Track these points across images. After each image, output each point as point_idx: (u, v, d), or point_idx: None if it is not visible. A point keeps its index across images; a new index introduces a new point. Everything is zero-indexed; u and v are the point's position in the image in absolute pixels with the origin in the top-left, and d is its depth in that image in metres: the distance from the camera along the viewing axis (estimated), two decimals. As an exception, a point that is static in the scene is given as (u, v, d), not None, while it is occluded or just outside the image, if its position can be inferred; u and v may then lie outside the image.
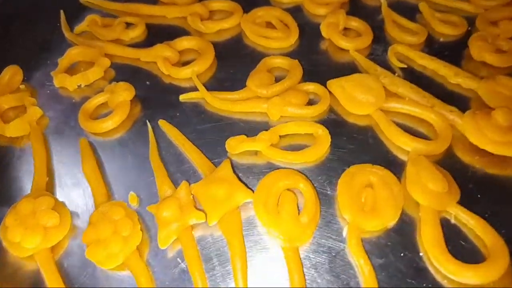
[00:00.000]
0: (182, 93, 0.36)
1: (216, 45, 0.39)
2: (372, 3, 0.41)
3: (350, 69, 0.36)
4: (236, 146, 0.31)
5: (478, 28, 0.37)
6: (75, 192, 0.31)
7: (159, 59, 0.38)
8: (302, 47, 0.39)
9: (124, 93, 0.35)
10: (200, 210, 0.28)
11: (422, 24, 0.38)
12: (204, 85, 0.36)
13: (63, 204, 0.30)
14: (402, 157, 0.31)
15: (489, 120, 0.30)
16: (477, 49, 0.35)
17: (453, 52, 0.37)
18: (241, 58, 0.39)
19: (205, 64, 0.37)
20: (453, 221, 0.28)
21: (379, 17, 0.40)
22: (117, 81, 0.36)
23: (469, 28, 0.38)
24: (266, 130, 0.32)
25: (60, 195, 0.31)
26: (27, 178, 0.32)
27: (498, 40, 0.35)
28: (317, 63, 0.37)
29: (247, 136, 0.32)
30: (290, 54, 0.38)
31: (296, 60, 0.36)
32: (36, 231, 0.28)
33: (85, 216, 0.30)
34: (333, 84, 0.34)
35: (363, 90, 0.33)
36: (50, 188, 0.32)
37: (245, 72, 0.36)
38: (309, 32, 0.39)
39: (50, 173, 0.32)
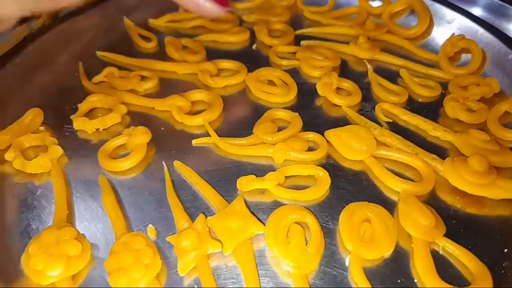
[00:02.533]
0: (193, 138, 0.40)
1: (223, 98, 0.44)
2: (359, 68, 0.47)
3: (342, 122, 0.41)
4: (247, 184, 0.35)
5: (450, 91, 0.44)
6: (94, 225, 0.33)
7: (174, 108, 0.42)
8: (300, 103, 0.44)
9: (142, 136, 0.38)
10: (216, 240, 0.31)
11: (403, 86, 0.44)
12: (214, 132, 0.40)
13: (83, 235, 0.32)
14: (393, 197, 0.35)
15: (466, 166, 0.35)
16: (451, 109, 0.41)
17: (430, 110, 0.42)
18: (246, 111, 0.43)
19: (214, 113, 0.42)
20: (441, 252, 0.32)
21: (366, 80, 0.46)
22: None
23: (443, 91, 0.44)
24: (272, 170, 0.36)
25: (79, 228, 0.33)
26: (47, 213, 0.34)
27: (468, 101, 0.41)
28: (314, 116, 0.42)
29: (256, 176, 0.36)
30: (290, 108, 0.43)
31: (297, 113, 0.41)
32: (60, 259, 0.30)
33: (103, 248, 0.32)
34: (330, 133, 0.39)
35: (356, 139, 0.38)
36: (70, 221, 0.34)
37: (250, 123, 0.41)
38: (306, 90, 0.45)
39: (70, 206, 0.35)
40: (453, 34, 0.47)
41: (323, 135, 0.39)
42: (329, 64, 0.46)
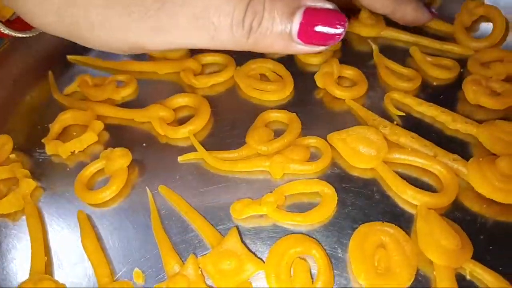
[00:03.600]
0: (180, 152, 0.35)
1: (211, 99, 0.39)
2: (363, 48, 0.42)
3: (347, 118, 0.36)
4: (242, 210, 0.31)
5: (470, 71, 0.38)
6: (76, 271, 0.30)
7: (154, 120, 0.37)
8: (297, 98, 0.38)
9: (121, 159, 0.34)
10: (210, 286, 0.27)
11: (415, 68, 0.39)
12: (202, 143, 0.35)
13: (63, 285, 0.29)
14: (410, 210, 0.30)
15: (494, 168, 0.30)
16: (472, 94, 0.35)
17: (447, 95, 0.37)
18: (237, 112, 0.38)
19: (201, 122, 0.37)
20: (468, 277, 0.27)
21: (371, 62, 0.40)
22: (112, 145, 0.36)
23: (461, 70, 0.38)
24: (270, 188, 0.32)
25: (60, 276, 0.30)
26: (24, 256, 0.31)
27: (491, 82, 0.36)
28: (313, 114, 0.37)
29: (252, 197, 0.32)
30: (286, 106, 0.38)
31: (294, 114, 0.36)
32: (38, 320, 0.27)
33: (88, 297, 0.29)
34: (334, 137, 0.34)
35: (364, 143, 0.33)
36: (49, 268, 0.30)
37: (243, 127, 0.36)
38: (303, 82, 0.39)
39: (47, 250, 0.31)
40: (469, -1, 0.40)
41: (325, 138, 0.34)
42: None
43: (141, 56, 0.43)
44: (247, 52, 0.27)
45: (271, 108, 0.37)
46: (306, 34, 0.25)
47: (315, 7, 0.26)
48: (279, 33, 0.26)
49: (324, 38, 0.26)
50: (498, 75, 0.36)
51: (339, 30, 0.26)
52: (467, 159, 0.31)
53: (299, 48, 0.26)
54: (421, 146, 0.33)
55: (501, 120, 0.33)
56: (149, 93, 0.41)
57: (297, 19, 0.25)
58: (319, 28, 0.25)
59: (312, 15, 0.25)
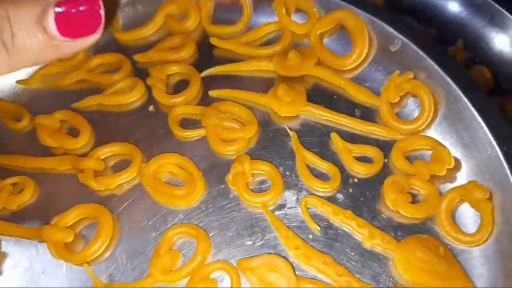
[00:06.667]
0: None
1: (116, 202, 0.35)
2: (284, 122, 0.37)
3: (260, 226, 0.33)
4: None
5: (393, 163, 0.34)
6: None
7: (50, 244, 0.33)
8: (208, 201, 0.35)
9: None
10: None
11: (334, 159, 0.35)
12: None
13: None
14: None
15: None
16: (391, 202, 0.32)
17: (369, 193, 0.34)
18: (147, 220, 0.35)
19: (103, 242, 0.33)
20: None
21: (289, 146, 0.36)
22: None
23: (386, 160, 0.35)
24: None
25: None
26: None
27: (414, 182, 0.32)
28: (226, 221, 0.34)
29: None
30: (195, 211, 0.34)
31: (202, 231, 0.33)
32: None
33: None
34: (243, 265, 0.31)
35: (273, 273, 0.30)
36: None
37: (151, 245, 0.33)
38: (214, 179, 0.36)
39: None
40: (397, 72, 0.36)
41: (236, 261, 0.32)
42: (242, 136, 0.36)
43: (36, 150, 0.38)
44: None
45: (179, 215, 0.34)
46: (65, 26, 0.25)
47: None
48: (39, 41, 0.25)
49: (85, 22, 0.26)
50: (422, 175, 0.32)
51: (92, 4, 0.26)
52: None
53: (72, 45, 0.26)
54: (333, 272, 0.30)
55: (417, 244, 0.30)
56: (50, 198, 0.36)
57: (50, 16, 0.25)
58: (73, 15, 0.25)
59: (63, 4, 0.25)
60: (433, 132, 0.35)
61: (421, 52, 0.35)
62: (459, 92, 0.33)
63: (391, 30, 0.36)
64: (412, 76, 0.35)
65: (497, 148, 0.31)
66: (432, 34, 0.47)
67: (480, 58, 0.43)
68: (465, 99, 0.33)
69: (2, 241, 0.35)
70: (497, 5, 0.42)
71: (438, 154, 0.33)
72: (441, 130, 0.34)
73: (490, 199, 0.31)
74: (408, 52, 0.36)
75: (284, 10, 0.39)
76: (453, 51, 0.46)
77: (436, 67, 0.34)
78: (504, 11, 0.42)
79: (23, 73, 0.41)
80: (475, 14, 0.44)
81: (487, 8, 0.43)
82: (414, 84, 0.35)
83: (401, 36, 0.36)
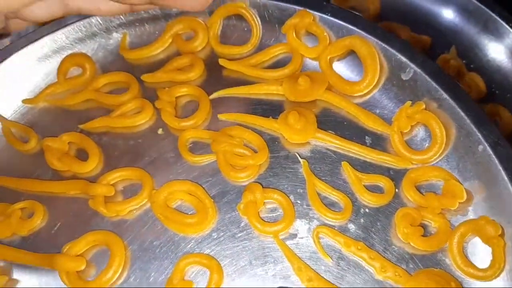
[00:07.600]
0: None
1: (125, 228, 0.35)
2: (294, 148, 0.37)
3: (272, 256, 0.34)
4: None
5: (404, 191, 0.34)
6: None
7: (62, 273, 0.33)
8: (219, 229, 0.35)
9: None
10: None
11: (346, 188, 0.35)
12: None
13: None
14: None
15: None
16: (403, 234, 0.32)
17: (380, 224, 0.34)
18: (159, 248, 0.35)
19: (115, 271, 0.34)
20: None
21: (301, 174, 0.36)
22: None
23: (397, 190, 0.35)
24: None
25: None
26: None
27: (426, 214, 0.33)
28: (236, 252, 0.34)
29: None
30: (207, 240, 0.35)
31: (215, 261, 0.33)
32: None
33: None
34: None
35: (286, 307, 0.31)
36: None
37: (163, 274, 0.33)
38: (225, 205, 0.36)
39: None
40: (409, 102, 0.36)
41: (248, 291, 0.32)
42: (253, 163, 0.36)
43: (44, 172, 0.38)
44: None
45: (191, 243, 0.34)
46: None
47: None
48: None
49: None
50: (433, 209, 0.33)
51: None
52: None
53: None
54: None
55: (429, 279, 0.31)
56: (59, 219, 0.36)
57: None
58: None
59: None
60: (444, 163, 0.35)
61: (433, 83, 0.35)
62: (472, 126, 0.33)
63: (402, 58, 0.36)
64: (423, 106, 0.35)
65: (509, 184, 0.31)
66: (426, 40, 0.48)
67: (474, 65, 0.44)
68: (478, 134, 0.33)
69: (14, 268, 0.35)
70: (490, 12, 0.43)
71: (450, 187, 0.33)
72: (453, 161, 0.35)
73: (502, 235, 0.31)
74: (420, 81, 0.36)
75: (294, 34, 0.39)
76: (447, 57, 0.47)
77: (448, 98, 0.34)
78: (497, 17, 0.42)
79: (28, 92, 0.41)
80: (468, 20, 0.44)
81: (481, 15, 0.44)
82: (426, 115, 0.35)
83: (412, 65, 0.36)
